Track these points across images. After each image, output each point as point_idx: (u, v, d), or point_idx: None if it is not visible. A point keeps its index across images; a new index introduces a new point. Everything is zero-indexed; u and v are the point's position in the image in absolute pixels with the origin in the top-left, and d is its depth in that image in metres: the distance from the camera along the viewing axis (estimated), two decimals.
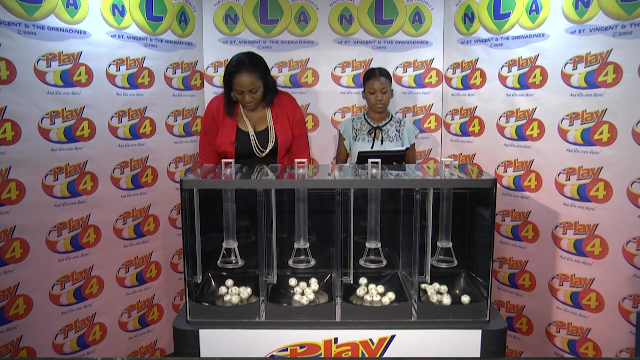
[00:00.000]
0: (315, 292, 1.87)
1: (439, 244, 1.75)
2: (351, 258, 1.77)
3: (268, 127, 2.37)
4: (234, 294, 1.82)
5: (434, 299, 1.80)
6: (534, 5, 2.35)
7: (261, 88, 2.32)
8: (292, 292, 1.87)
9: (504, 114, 2.56)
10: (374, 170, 1.74)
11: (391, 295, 1.83)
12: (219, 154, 2.47)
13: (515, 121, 2.51)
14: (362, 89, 2.61)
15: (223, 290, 1.88)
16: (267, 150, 2.36)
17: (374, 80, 2.50)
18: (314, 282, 1.92)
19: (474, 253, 1.86)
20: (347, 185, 1.67)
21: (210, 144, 2.50)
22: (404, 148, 2.56)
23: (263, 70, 2.34)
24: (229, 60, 2.38)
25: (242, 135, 2.39)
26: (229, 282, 1.93)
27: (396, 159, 2.38)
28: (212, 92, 2.76)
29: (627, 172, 2.12)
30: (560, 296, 2.42)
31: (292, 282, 1.91)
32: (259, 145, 2.33)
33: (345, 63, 2.81)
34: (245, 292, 1.85)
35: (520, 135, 2.50)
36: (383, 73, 2.52)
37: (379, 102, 2.50)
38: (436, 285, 1.87)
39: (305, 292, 1.84)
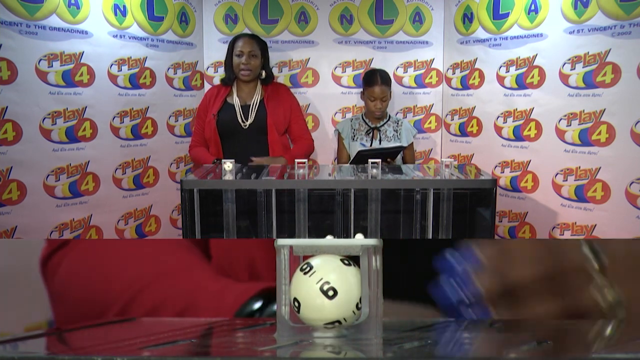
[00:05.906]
0: None
1: None
2: None
3: (255, 101, 2.38)
4: None
5: None
6: (533, 5, 2.36)
7: (259, 58, 2.39)
8: None
9: (502, 114, 2.57)
10: (374, 170, 1.75)
11: None
12: (205, 137, 2.43)
13: (513, 121, 2.52)
14: (362, 89, 2.61)
15: None
16: (249, 121, 2.36)
17: (375, 87, 2.47)
18: None
19: None
20: (347, 185, 1.68)
21: (200, 123, 2.47)
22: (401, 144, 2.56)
23: (263, 46, 2.43)
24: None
25: (228, 107, 2.40)
26: None
27: (393, 156, 2.39)
28: None
29: (625, 172, 2.12)
30: None
31: None
32: (242, 115, 2.34)
33: (345, 63, 2.82)
34: None
35: (518, 135, 2.51)
36: (384, 80, 2.50)
37: (377, 109, 2.50)
38: None
39: None
